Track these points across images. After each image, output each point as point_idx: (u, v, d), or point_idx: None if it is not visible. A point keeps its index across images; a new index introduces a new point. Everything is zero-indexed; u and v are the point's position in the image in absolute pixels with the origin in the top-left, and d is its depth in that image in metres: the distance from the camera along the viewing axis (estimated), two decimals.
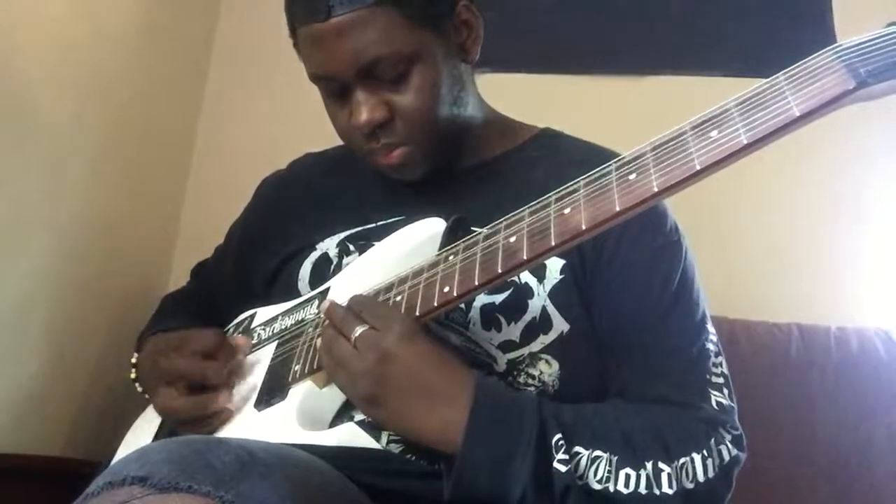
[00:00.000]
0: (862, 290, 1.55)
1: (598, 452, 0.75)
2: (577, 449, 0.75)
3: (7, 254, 1.24)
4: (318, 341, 0.81)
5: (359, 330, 0.77)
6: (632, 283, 0.89)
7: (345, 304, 0.83)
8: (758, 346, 1.39)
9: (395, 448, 0.80)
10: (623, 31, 1.73)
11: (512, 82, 1.61)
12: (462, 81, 0.96)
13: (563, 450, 0.73)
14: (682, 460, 0.77)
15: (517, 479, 0.71)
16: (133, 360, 1.03)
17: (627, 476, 0.75)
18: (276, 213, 1.11)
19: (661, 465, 0.76)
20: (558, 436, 0.74)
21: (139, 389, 1.01)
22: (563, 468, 0.72)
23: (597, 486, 0.74)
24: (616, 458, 0.75)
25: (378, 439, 0.80)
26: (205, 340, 0.93)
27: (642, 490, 0.74)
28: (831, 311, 1.50)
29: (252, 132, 1.79)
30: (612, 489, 0.74)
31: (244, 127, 1.80)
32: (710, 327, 0.90)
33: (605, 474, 0.74)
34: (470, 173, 1.00)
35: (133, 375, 1.02)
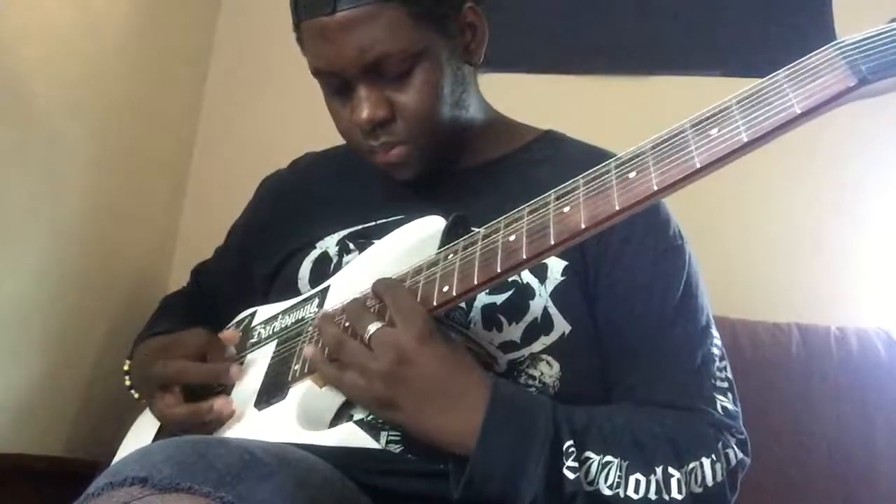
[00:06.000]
0: (862, 290, 1.54)
1: (609, 458, 0.75)
2: (588, 454, 0.74)
3: (7, 253, 1.23)
4: (308, 348, 0.82)
5: (372, 328, 0.75)
6: (636, 287, 0.89)
7: (343, 304, 0.83)
8: (758, 346, 1.39)
9: (395, 448, 0.80)
10: (623, 31, 1.73)
11: (512, 82, 1.60)
12: (465, 83, 0.96)
13: (573, 456, 0.73)
14: (691, 465, 0.77)
15: (529, 483, 0.71)
16: (125, 367, 1.02)
17: (637, 482, 0.74)
18: (276, 212, 1.10)
19: (671, 470, 0.76)
20: (570, 442, 0.74)
21: (135, 396, 1.01)
22: (571, 475, 0.72)
23: (607, 492, 0.73)
24: (627, 463, 0.75)
25: (377, 439, 0.79)
26: (194, 341, 0.93)
27: (652, 496, 0.74)
28: (831, 311, 1.49)
29: (252, 132, 1.78)
30: (622, 495, 0.74)
31: (244, 127, 1.80)
32: (715, 332, 0.90)
33: (616, 480, 0.74)
34: (471, 174, 1.00)
35: (127, 383, 1.01)
